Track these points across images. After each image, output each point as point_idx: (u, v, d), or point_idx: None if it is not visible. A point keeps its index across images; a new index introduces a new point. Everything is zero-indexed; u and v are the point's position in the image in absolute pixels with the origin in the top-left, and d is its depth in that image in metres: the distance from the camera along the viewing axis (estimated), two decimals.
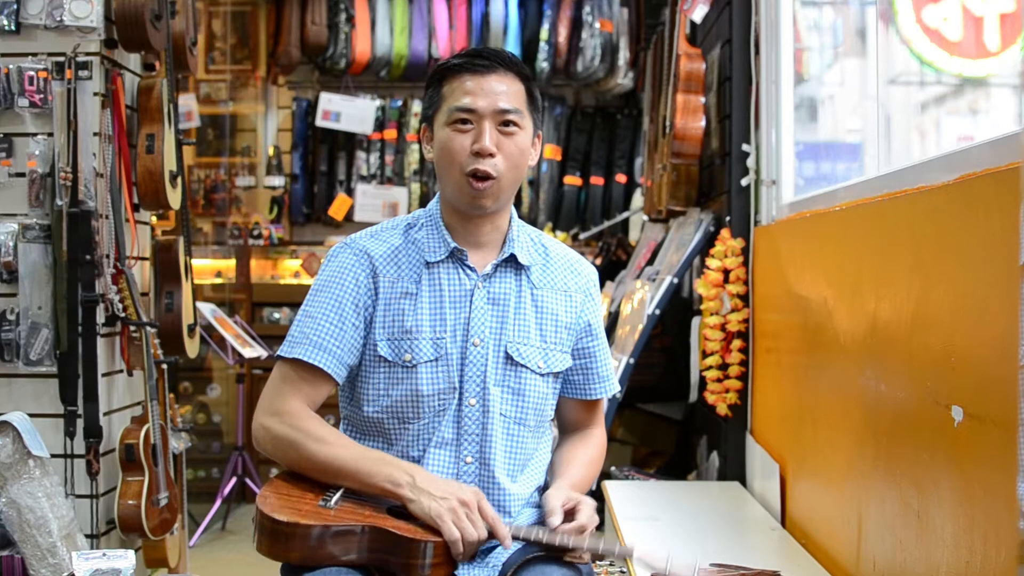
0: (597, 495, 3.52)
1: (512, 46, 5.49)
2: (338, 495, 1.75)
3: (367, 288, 1.84)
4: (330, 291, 1.84)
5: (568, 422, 2.02)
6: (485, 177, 1.79)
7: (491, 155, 1.79)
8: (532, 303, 1.88)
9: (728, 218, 3.40)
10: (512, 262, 1.88)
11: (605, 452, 1.99)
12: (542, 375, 1.87)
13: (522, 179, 1.89)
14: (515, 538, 1.74)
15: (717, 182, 3.65)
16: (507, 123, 1.81)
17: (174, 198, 3.05)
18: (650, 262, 4.16)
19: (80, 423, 2.78)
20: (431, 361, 1.81)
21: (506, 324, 1.84)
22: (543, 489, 1.94)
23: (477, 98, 1.80)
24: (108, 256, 2.85)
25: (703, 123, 3.73)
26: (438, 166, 1.85)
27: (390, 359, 1.82)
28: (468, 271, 1.86)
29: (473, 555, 1.71)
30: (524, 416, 1.85)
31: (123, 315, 2.87)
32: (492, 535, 1.71)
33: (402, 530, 1.68)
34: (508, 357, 1.83)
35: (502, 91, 1.81)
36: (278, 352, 1.85)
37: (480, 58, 1.83)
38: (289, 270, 5.94)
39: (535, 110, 1.88)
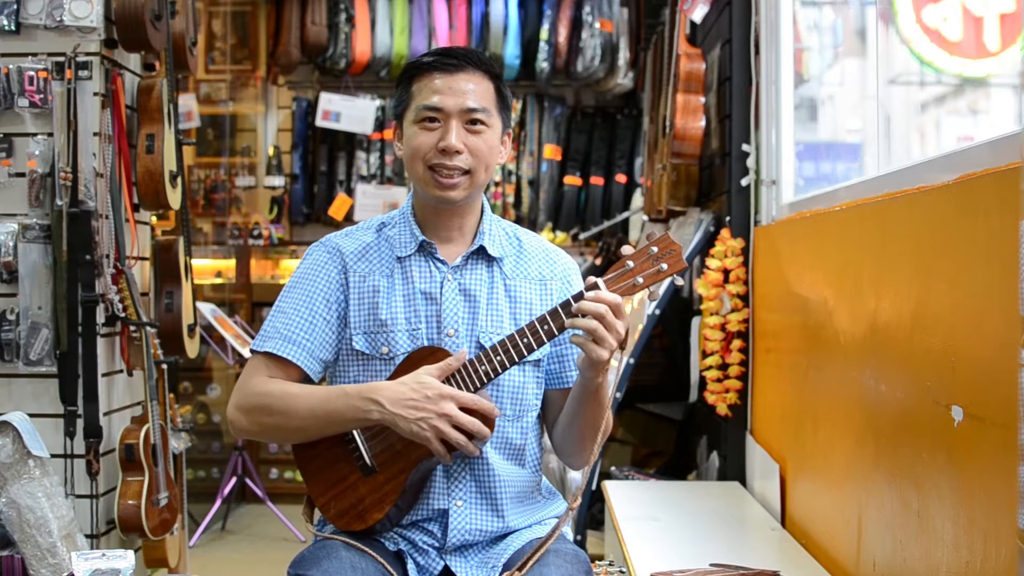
0: (597, 495, 3.54)
1: (512, 46, 5.49)
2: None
3: (338, 283, 1.88)
4: (302, 287, 1.89)
5: (555, 417, 1.94)
6: (452, 171, 1.81)
7: (457, 152, 1.81)
8: (505, 293, 1.88)
9: (728, 218, 3.40)
10: (483, 254, 1.89)
11: (608, 431, 1.90)
12: (517, 364, 1.86)
13: (491, 177, 1.91)
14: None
15: (717, 182, 3.65)
16: (474, 122, 1.83)
17: (174, 198, 3.05)
18: None
19: (80, 423, 2.78)
20: (408, 353, 1.83)
21: (478, 315, 1.85)
22: (537, 482, 1.94)
23: (445, 97, 1.82)
24: (108, 256, 2.85)
25: (703, 123, 3.73)
26: (406, 163, 1.89)
27: (367, 352, 1.84)
28: (438, 264, 1.87)
29: (476, 438, 1.73)
30: (501, 406, 1.83)
31: (123, 315, 2.87)
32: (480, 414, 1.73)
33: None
34: (481, 347, 1.83)
35: (470, 90, 1.83)
36: (250, 347, 1.90)
37: (449, 57, 1.85)
38: (289, 270, 5.93)
39: (504, 109, 1.89)
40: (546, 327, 1.73)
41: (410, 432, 1.72)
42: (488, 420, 1.74)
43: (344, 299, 1.87)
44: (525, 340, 1.74)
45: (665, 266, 1.71)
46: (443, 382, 1.74)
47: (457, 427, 1.71)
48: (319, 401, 1.79)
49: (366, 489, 1.80)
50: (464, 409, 1.72)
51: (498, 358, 1.75)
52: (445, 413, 1.70)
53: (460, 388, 1.75)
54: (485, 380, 1.75)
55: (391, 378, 1.79)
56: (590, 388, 1.78)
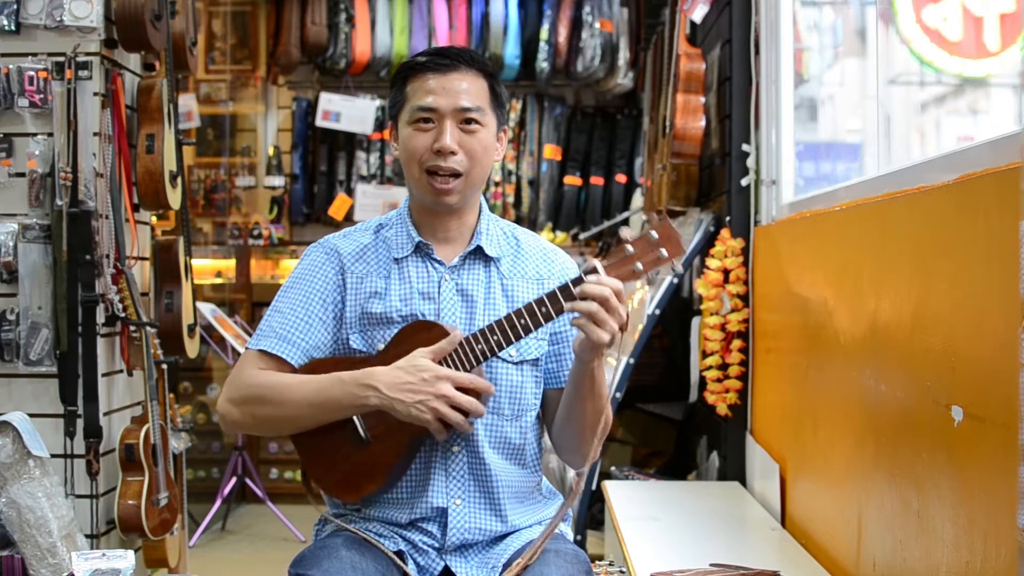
0: (597, 495, 3.54)
1: (512, 46, 5.49)
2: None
3: (335, 284, 1.88)
4: (299, 288, 1.89)
5: (553, 415, 1.94)
6: (447, 174, 1.82)
7: (452, 153, 1.81)
8: (503, 293, 1.88)
9: (728, 218, 3.40)
10: (480, 254, 1.89)
11: (608, 427, 1.87)
12: (515, 363, 1.86)
13: (487, 175, 1.91)
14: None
15: (717, 182, 3.65)
16: (469, 121, 1.83)
17: (174, 198, 3.05)
18: None
19: (80, 423, 2.78)
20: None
21: (475, 315, 1.85)
22: (537, 482, 1.94)
23: (438, 97, 1.82)
24: (108, 256, 2.85)
25: (703, 123, 3.73)
26: (402, 164, 1.89)
27: (364, 350, 1.85)
28: (435, 264, 1.88)
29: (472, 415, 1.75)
30: (499, 405, 1.84)
31: (123, 315, 2.87)
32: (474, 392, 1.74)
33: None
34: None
35: (464, 89, 1.83)
36: (246, 345, 1.90)
37: (442, 57, 1.85)
38: (289, 270, 5.87)
39: (499, 106, 1.89)
40: (543, 309, 1.72)
41: (408, 415, 1.73)
42: (482, 397, 1.75)
43: (341, 300, 1.87)
44: (523, 321, 1.73)
45: (665, 252, 1.69)
46: (438, 363, 1.74)
47: (454, 406, 1.72)
48: (314, 390, 1.79)
49: (362, 458, 1.80)
50: (460, 388, 1.73)
51: (495, 338, 1.74)
52: (443, 394, 1.71)
53: (455, 368, 1.75)
54: (480, 359, 1.76)
55: (384, 352, 1.80)
56: (586, 373, 1.77)
